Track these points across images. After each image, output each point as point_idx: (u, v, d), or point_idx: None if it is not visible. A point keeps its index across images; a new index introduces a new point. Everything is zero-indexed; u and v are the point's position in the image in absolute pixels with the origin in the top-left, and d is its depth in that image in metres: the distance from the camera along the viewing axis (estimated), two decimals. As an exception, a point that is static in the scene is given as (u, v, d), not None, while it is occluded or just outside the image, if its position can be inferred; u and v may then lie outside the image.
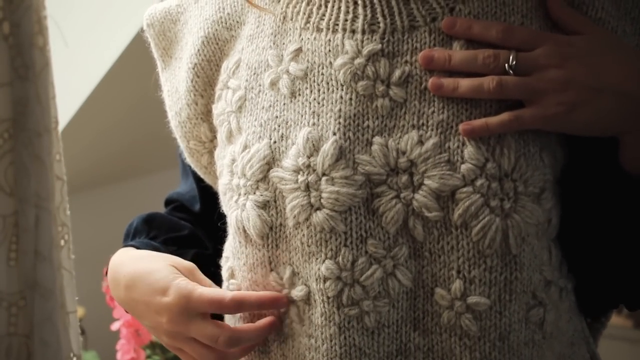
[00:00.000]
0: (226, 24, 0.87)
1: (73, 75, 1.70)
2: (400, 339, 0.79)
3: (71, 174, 0.82)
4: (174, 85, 0.91)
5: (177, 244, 0.95)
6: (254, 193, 0.80)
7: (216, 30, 0.87)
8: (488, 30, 0.76)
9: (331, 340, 0.78)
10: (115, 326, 1.53)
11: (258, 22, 0.85)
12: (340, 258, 0.77)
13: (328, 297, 0.78)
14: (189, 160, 0.94)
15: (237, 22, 0.87)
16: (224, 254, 0.89)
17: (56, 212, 0.70)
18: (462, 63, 0.76)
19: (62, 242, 0.72)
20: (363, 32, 0.79)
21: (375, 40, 0.79)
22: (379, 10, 0.79)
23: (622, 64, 0.76)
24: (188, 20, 0.90)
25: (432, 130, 0.77)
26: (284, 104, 0.80)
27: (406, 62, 0.78)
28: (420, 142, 0.76)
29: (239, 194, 0.82)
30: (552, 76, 0.74)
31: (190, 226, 0.98)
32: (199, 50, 0.88)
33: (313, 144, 0.78)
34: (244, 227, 0.81)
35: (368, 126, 0.78)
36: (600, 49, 0.76)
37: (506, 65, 0.75)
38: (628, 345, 2.17)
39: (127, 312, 0.92)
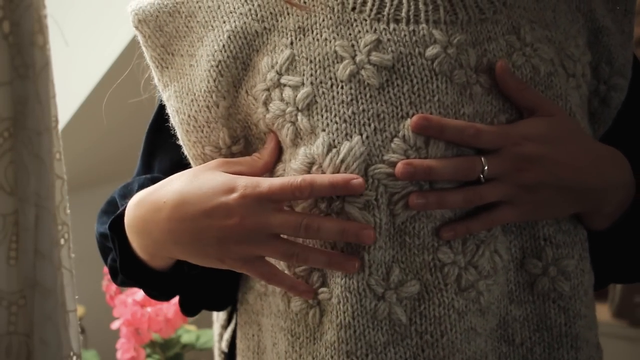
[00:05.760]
0: (257, 15, 0.82)
1: (73, 74, 1.70)
2: (500, 314, 0.81)
3: (71, 172, 0.82)
4: (185, 85, 0.85)
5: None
6: (352, 194, 0.76)
7: (244, 23, 0.82)
8: (461, 133, 0.77)
9: (451, 329, 0.78)
10: (115, 325, 1.53)
11: (307, 12, 0.81)
12: (452, 242, 0.78)
13: (446, 284, 0.78)
14: (193, 165, 0.87)
15: (272, 13, 0.82)
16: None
17: (56, 211, 0.70)
18: (444, 174, 0.77)
19: (62, 241, 0.72)
20: (446, 23, 0.81)
21: (458, 30, 0.81)
22: (455, 1, 0.82)
23: (574, 153, 0.81)
24: (195, 13, 0.84)
25: (517, 113, 0.80)
26: (371, 96, 0.78)
27: (485, 50, 0.81)
28: None
29: (331, 198, 0.77)
30: (523, 181, 0.78)
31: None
32: (224, 45, 0.81)
33: (423, 136, 0.77)
34: None
35: (464, 113, 0.79)
36: (554, 136, 0.80)
37: (481, 175, 0.77)
38: (624, 343, 2.17)
39: (165, 247, 0.82)
